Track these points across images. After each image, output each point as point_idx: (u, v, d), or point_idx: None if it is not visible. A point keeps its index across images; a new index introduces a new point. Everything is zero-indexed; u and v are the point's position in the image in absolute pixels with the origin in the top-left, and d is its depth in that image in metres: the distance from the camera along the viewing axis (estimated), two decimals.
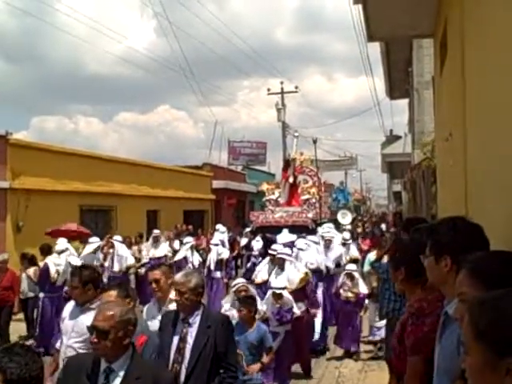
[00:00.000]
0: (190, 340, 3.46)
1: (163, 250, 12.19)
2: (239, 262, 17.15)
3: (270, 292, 6.21)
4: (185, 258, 11.32)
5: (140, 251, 12.95)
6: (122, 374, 2.59)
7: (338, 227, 17.08)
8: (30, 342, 8.41)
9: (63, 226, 11.05)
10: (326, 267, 9.16)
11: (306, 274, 7.16)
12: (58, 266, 8.68)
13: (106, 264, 10.53)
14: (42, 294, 8.63)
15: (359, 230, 21.52)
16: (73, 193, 14.45)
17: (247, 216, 27.77)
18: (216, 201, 25.11)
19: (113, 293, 3.73)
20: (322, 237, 10.31)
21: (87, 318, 3.79)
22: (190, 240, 12.19)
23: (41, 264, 9.09)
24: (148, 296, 11.41)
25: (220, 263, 11.37)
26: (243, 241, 15.75)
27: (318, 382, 7.04)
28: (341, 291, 7.90)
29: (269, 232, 10.33)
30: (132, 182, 17.77)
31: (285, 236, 9.51)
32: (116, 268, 10.58)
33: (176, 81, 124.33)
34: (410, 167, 15.85)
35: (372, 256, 8.63)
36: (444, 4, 5.41)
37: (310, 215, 12.04)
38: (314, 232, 11.32)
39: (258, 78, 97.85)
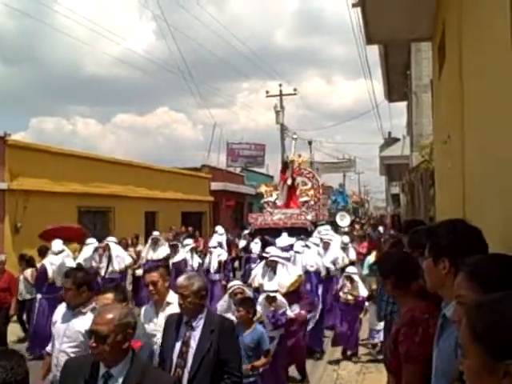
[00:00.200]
0: (193, 344, 3.40)
1: (163, 252, 12.15)
2: (236, 263, 17.14)
3: (262, 295, 6.16)
4: (184, 260, 11.30)
5: (137, 253, 12.92)
6: (120, 380, 2.53)
7: (337, 229, 17.08)
8: (26, 344, 8.39)
9: (52, 226, 10.94)
10: (327, 268, 9.17)
11: (300, 276, 7.12)
12: (54, 266, 8.64)
13: (101, 265, 10.48)
14: (39, 296, 8.60)
15: (355, 232, 21.51)
16: (71, 194, 14.43)
17: (245, 218, 27.79)
18: (214, 202, 25.10)
19: (109, 296, 3.67)
20: (321, 239, 10.32)
21: (79, 323, 3.79)
22: (190, 242, 12.16)
23: (38, 265, 9.07)
24: (144, 298, 11.47)
25: (218, 265, 11.38)
26: (242, 243, 15.73)
27: None
28: (340, 294, 7.90)
29: (267, 234, 10.31)
30: (130, 183, 17.76)
31: (284, 239, 9.50)
32: (116, 268, 10.57)
33: (175, 83, 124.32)
34: (409, 170, 15.87)
35: (371, 258, 8.64)
36: (442, 8, 5.44)
37: (309, 217, 12.02)
38: (311, 234, 11.31)
39: (256, 80, 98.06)
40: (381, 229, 21.64)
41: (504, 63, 2.58)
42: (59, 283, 8.51)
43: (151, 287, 4.12)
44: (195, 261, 11.65)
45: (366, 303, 7.80)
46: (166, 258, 11.65)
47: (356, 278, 7.98)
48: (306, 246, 8.97)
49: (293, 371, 6.97)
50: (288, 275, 6.94)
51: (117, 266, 10.54)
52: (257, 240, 9.76)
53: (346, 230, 20.21)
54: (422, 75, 12.70)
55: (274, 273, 6.93)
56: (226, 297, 5.61)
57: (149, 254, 12.25)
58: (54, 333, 3.93)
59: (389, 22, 6.17)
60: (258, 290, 6.79)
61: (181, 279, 3.53)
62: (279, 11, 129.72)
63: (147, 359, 3.46)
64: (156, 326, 4.13)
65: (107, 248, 10.62)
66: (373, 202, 77.47)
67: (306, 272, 8.15)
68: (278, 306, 6.02)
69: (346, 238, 11.83)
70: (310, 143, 16.39)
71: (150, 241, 12.72)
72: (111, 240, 11.09)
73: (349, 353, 7.88)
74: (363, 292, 7.93)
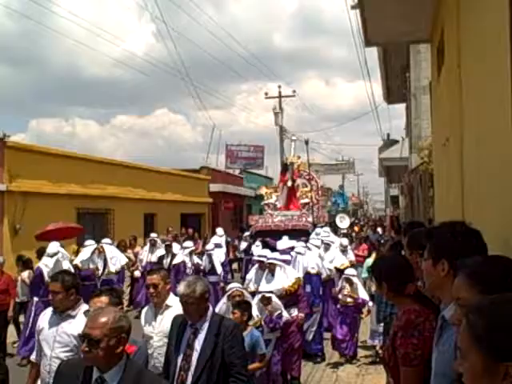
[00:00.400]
0: (198, 347, 3.37)
1: (160, 253, 12.11)
2: (235, 265, 17.12)
3: (258, 296, 6.11)
4: (183, 263, 11.26)
5: (135, 254, 12.90)
6: None
7: (336, 231, 17.08)
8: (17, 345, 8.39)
9: (49, 227, 10.92)
10: (329, 270, 9.15)
11: (298, 278, 7.08)
12: (48, 269, 8.60)
13: (98, 267, 10.44)
14: (36, 298, 8.56)
15: (354, 234, 21.56)
16: (70, 196, 14.42)
17: (244, 220, 27.78)
18: (213, 204, 25.09)
19: (104, 299, 3.57)
20: (322, 241, 10.30)
21: (70, 326, 3.70)
22: (190, 245, 12.10)
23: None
24: (142, 300, 11.45)
25: (212, 266, 11.32)
26: (243, 245, 15.68)
27: None
28: (339, 296, 7.88)
29: (268, 236, 10.25)
30: (129, 185, 17.75)
31: (284, 242, 9.47)
32: (112, 269, 10.54)
33: (174, 84, 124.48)
34: (408, 171, 15.89)
35: (371, 261, 8.63)
36: (441, 10, 5.45)
37: (310, 219, 12.00)
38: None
39: (256, 81, 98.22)
40: (379, 230, 21.67)
41: (503, 66, 2.59)
42: None
43: (152, 289, 4.08)
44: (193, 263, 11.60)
45: (370, 303, 7.76)
46: (161, 258, 11.57)
47: (355, 280, 7.97)
48: (307, 247, 8.95)
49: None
50: (286, 278, 6.92)
51: (112, 267, 10.52)
52: (258, 243, 9.71)
53: (345, 231, 20.23)
54: (421, 77, 12.72)
55: (272, 275, 6.90)
56: (225, 299, 5.57)
57: (147, 256, 12.23)
58: (42, 340, 3.81)
59: (388, 24, 6.18)
60: (253, 294, 6.75)
61: (182, 288, 3.43)
62: (278, 13, 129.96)
63: (142, 364, 3.39)
64: (153, 329, 4.12)
65: (102, 250, 10.58)
66: (372, 204, 77.58)
67: (307, 274, 8.12)
68: (273, 308, 5.99)
69: (345, 241, 11.82)
70: (306, 143, 16.29)
71: (148, 243, 12.70)
72: (106, 242, 11.06)
73: (349, 354, 7.88)
74: (362, 294, 7.92)
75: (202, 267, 11.41)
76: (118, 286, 10.83)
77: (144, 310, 4.39)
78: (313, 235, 10.85)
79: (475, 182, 3.68)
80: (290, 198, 12.95)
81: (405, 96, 15.90)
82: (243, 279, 10.89)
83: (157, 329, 4.10)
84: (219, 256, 11.77)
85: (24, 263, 9.39)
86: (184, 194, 21.73)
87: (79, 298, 3.87)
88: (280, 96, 28.43)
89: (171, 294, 4.13)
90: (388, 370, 2.71)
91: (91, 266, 10.28)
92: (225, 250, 15.26)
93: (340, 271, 9.35)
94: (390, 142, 21.57)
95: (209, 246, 12.06)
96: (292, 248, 8.69)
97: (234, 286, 5.78)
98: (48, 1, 34.81)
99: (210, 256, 11.44)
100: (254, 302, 5.82)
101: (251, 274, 7.57)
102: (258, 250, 10.03)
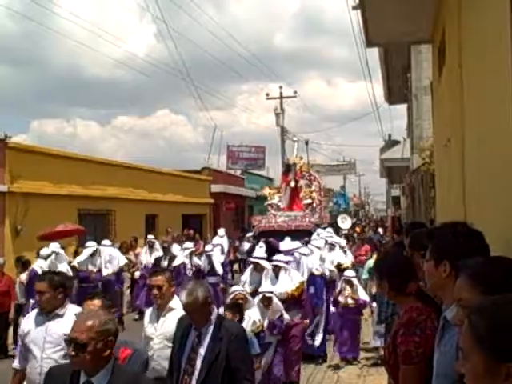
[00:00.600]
0: (202, 351, 3.34)
1: (157, 255, 12.06)
2: (236, 266, 17.11)
3: (258, 297, 6.04)
4: (183, 264, 11.22)
5: (136, 255, 12.89)
6: None
7: (338, 232, 17.04)
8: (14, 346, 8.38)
9: (54, 229, 10.92)
10: (330, 271, 9.14)
11: (302, 283, 7.02)
12: (42, 270, 8.58)
13: (95, 268, 10.42)
14: (32, 300, 8.52)
15: (356, 235, 21.52)
16: (71, 196, 14.44)
17: (246, 220, 27.78)
18: (214, 205, 25.10)
19: (97, 302, 3.51)
20: (326, 241, 10.27)
21: (59, 326, 3.64)
22: (189, 246, 12.08)
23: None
24: (141, 303, 11.42)
25: (211, 267, 11.29)
26: (246, 245, 15.63)
27: None
28: (339, 298, 7.87)
29: (272, 236, 10.22)
30: (130, 185, 17.77)
31: (287, 243, 9.44)
32: (109, 271, 10.52)
33: (175, 85, 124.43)
34: (409, 172, 15.89)
35: (372, 262, 8.61)
36: (442, 10, 5.44)
37: (313, 219, 11.98)
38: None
39: (257, 82, 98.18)
40: (380, 230, 21.67)
41: (504, 65, 2.58)
42: None
43: (156, 291, 4.04)
44: (195, 264, 11.59)
45: (374, 304, 7.73)
46: (158, 260, 11.47)
47: (355, 281, 7.97)
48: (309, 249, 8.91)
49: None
50: (290, 281, 6.85)
51: (105, 271, 10.51)
52: (261, 244, 9.67)
53: (345, 232, 20.20)
54: (422, 77, 12.70)
55: (277, 277, 6.85)
56: (229, 301, 5.55)
57: (145, 258, 12.17)
58: (29, 342, 3.73)
59: (389, 25, 6.17)
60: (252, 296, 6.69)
61: (184, 298, 3.36)
62: (279, 13, 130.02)
63: (139, 367, 3.34)
64: (155, 330, 4.08)
65: (98, 252, 10.56)
66: (373, 204, 77.52)
67: (312, 275, 8.09)
68: (274, 310, 5.94)
69: (343, 242, 11.82)
70: (306, 143, 16.31)
71: (146, 245, 12.66)
72: (105, 243, 11.05)
73: (351, 357, 7.87)
74: (363, 295, 7.91)
75: (201, 268, 11.41)
76: (118, 287, 10.86)
77: (148, 311, 4.34)
78: (314, 236, 10.82)
79: (476, 183, 3.67)
80: (293, 199, 12.93)
81: (406, 96, 15.88)
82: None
83: (158, 331, 4.06)
84: (218, 256, 11.73)
85: (23, 264, 9.33)
86: (185, 194, 21.74)
87: (66, 298, 3.85)
88: (281, 97, 28.43)
89: (175, 297, 4.08)
90: (388, 370, 2.70)
91: (90, 267, 10.27)
92: (226, 250, 15.26)
93: (340, 271, 9.33)
94: (391, 143, 21.56)
95: (208, 247, 12.05)
96: (296, 249, 8.66)
97: (237, 289, 5.75)
98: (49, 2, 34.98)
99: (209, 257, 11.43)
100: (255, 302, 5.78)
101: (246, 276, 7.49)
102: (261, 251, 10.01)
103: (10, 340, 8.90)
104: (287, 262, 7.40)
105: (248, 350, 3.58)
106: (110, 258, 10.67)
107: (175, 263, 11.15)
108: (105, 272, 10.42)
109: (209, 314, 3.42)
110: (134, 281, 12.44)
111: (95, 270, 10.28)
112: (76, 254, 11.54)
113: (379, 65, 14.34)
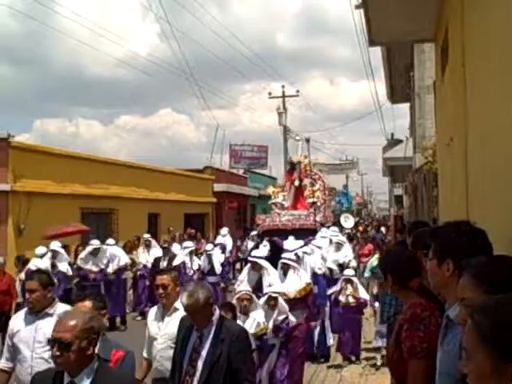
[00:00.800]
0: (203, 352, 3.34)
1: (155, 254, 12.01)
2: (238, 265, 17.08)
3: (264, 298, 5.92)
4: (183, 263, 11.19)
5: (139, 255, 12.89)
6: None
7: (341, 231, 17.03)
8: None
9: (61, 229, 10.94)
10: (330, 269, 9.12)
11: (309, 284, 6.94)
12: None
13: (96, 268, 10.42)
14: None
15: (358, 234, 21.51)
16: (74, 196, 14.46)
17: (248, 219, 27.77)
18: (217, 204, 25.10)
19: (87, 303, 3.45)
20: (331, 240, 10.23)
21: (48, 325, 3.54)
22: (189, 245, 12.00)
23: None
24: (143, 302, 11.41)
25: (211, 267, 11.27)
26: (250, 244, 15.62)
27: None
28: (340, 298, 7.85)
29: (276, 235, 10.19)
30: (133, 185, 17.79)
31: (291, 243, 9.43)
32: (110, 270, 10.54)
33: (178, 84, 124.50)
34: (412, 171, 15.86)
35: (374, 261, 8.59)
36: (445, 9, 5.43)
37: (318, 218, 11.94)
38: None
39: (259, 81, 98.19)
40: (383, 229, 21.63)
41: (506, 65, 2.58)
42: None
43: (161, 290, 4.01)
44: (195, 263, 11.53)
45: (376, 303, 7.71)
46: (157, 260, 11.40)
47: (355, 280, 7.96)
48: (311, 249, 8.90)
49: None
50: (299, 280, 6.80)
51: (110, 268, 10.53)
52: (265, 243, 9.65)
53: (348, 231, 20.19)
54: (425, 76, 12.68)
55: (285, 276, 6.79)
56: (234, 302, 5.51)
57: (144, 257, 12.13)
58: (18, 342, 3.70)
59: (391, 24, 6.16)
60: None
61: (184, 300, 3.34)
62: (282, 13, 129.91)
63: (132, 369, 3.33)
64: (159, 330, 4.05)
65: (102, 251, 10.57)
66: (376, 204, 77.44)
67: (314, 274, 8.08)
68: (280, 311, 5.82)
69: (345, 241, 11.78)
70: (307, 141, 16.19)
71: (143, 244, 12.63)
72: (109, 243, 11.06)
73: (353, 356, 7.86)
74: (363, 294, 7.90)
75: (201, 268, 11.39)
76: (122, 287, 10.90)
77: (152, 310, 4.30)
78: (318, 235, 10.81)
79: (479, 181, 3.66)
80: (298, 198, 12.91)
81: (409, 95, 15.85)
82: None
83: (163, 330, 4.03)
84: (218, 256, 11.71)
85: (23, 263, 9.34)
86: (188, 193, 21.75)
87: (55, 297, 3.86)
88: (284, 96, 28.42)
89: None
90: (391, 369, 2.69)
91: (92, 266, 10.27)
92: (230, 249, 15.25)
93: (341, 268, 9.32)
94: (393, 142, 21.53)
95: (208, 247, 12.03)
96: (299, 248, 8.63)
97: (243, 289, 5.72)
98: (52, 1, 35.01)
99: (209, 256, 11.39)
100: (261, 304, 5.72)
101: (243, 275, 7.42)
102: (265, 250, 10.00)
103: None
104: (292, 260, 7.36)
105: (250, 351, 3.56)
106: (112, 257, 10.70)
107: (175, 262, 11.10)
108: (109, 269, 10.45)
109: (210, 315, 3.40)
110: (135, 280, 12.45)
111: (97, 269, 10.31)
112: (76, 252, 11.55)
113: (382, 64, 14.30)
